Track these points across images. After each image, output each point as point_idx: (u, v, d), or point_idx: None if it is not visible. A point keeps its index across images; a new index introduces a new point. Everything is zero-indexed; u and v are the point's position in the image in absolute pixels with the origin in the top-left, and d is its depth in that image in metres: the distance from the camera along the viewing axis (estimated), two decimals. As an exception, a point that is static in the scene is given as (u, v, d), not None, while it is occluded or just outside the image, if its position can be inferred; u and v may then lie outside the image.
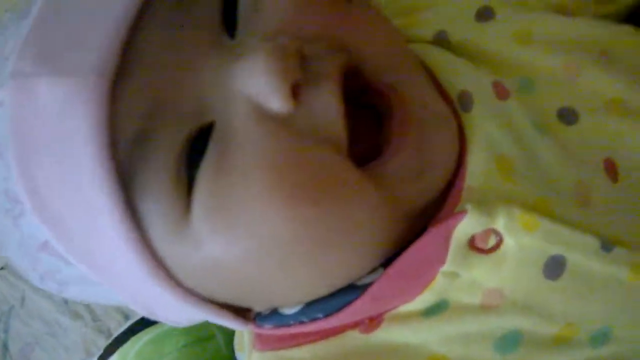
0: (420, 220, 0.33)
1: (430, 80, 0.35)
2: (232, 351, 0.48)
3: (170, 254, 0.31)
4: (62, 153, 0.29)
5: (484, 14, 0.39)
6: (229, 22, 0.32)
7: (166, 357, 0.49)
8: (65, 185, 0.30)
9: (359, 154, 0.31)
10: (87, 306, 0.80)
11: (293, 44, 0.30)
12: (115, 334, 0.53)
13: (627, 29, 0.40)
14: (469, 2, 0.39)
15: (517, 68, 0.37)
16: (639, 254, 0.33)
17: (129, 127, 0.29)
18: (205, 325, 0.49)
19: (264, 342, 0.37)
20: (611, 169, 0.35)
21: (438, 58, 0.37)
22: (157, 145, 0.30)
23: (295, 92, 0.29)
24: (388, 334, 0.34)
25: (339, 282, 0.33)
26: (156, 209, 0.30)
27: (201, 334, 0.50)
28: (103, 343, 0.75)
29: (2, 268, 0.85)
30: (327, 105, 0.30)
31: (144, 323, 0.51)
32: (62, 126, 0.29)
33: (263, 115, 0.29)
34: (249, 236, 0.30)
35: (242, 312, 0.37)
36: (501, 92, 0.35)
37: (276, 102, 0.29)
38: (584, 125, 0.36)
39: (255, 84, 0.29)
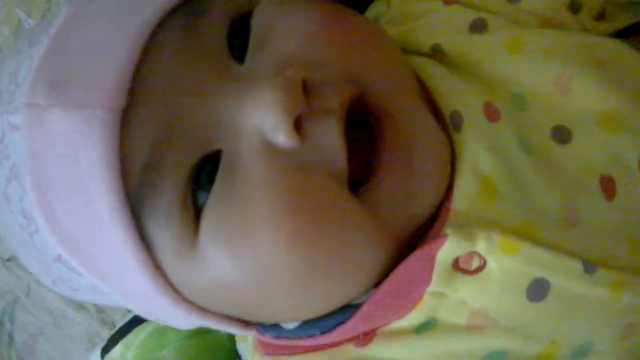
0: (413, 240, 0.34)
1: (424, 100, 0.36)
2: (233, 342, 0.49)
3: (178, 274, 0.33)
4: (75, 181, 0.31)
5: (478, 26, 0.39)
6: (235, 46, 0.33)
7: (168, 347, 0.49)
8: (78, 210, 0.31)
9: (351, 172, 0.32)
10: (92, 298, 0.81)
11: (299, 75, 0.31)
12: (119, 325, 0.53)
13: (618, 41, 0.40)
14: (463, 14, 0.40)
15: (509, 83, 0.37)
16: (624, 273, 0.34)
17: (138, 155, 0.31)
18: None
19: (265, 348, 0.38)
20: (608, 186, 0.35)
21: (433, 75, 0.37)
22: (165, 172, 0.31)
23: (300, 125, 0.30)
24: (380, 349, 0.35)
25: (338, 304, 0.35)
26: (164, 233, 0.31)
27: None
28: (107, 334, 0.75)
29: (8, 260, 0.85)
30: (330, 141, 0.31)
31: (147, 314, 0.51)
32: (74, 156, 0.30)
33: (269, 147, 0.31)
34: (253, 262, 0.31)
35: (244, 321, 0.38)
36: (491, 114, 0.36)
37: (281, 137, 0.30)
38: (578, 143, 0.36)
39: (262, 119, 0.30)
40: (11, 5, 0.75)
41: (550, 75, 0.37)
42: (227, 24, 0.33)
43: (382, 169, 0.32)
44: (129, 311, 0.79)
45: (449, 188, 0.33)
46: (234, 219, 0.31)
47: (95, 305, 0.80)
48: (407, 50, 0.40)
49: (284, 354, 0.37)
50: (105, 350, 0.53)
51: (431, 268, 0.32)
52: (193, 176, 0.31)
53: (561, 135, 0.36)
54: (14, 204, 0.33)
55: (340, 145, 0.31)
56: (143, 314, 0.38)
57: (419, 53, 0.39)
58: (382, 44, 0.36)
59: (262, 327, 0.38)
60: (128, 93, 0.30)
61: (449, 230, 0.32)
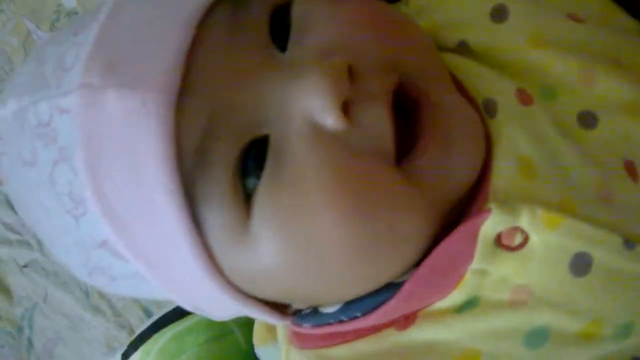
0: (451, 220, 0.34)
1: (457, 88, 0.36)
2: (251, 346, 0.50)
3: (228, 258, 0.33)
4: (129, 162, 0.31)
5: (499, 13, 0.39)
6: (278, 35, 0.33)
7: (187, 353, 0.50)
8: (132, 192, 0.31)
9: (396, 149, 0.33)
10: (109, 301, 0.81)
11: (345, 62, 0.31)
12: (138, 331, 0.54)
13: (636, 36, 0.40)
14: (482, 1, 0.40)
15: (535, 73, 0.38)
16: None
17: (191, 139, 0.31)
18: (224, 321, 0.51)
19: (302, 340, 0.38)
20: (632, 170, 0.36)
21: (463, 67, 0.38)
22: (216, 156, 0.31)
23: (348, 108, 0.31)
24: (422, 331, 0.35)
25: (383, 281, 0.35)
26: (216, 217, 0.32)
27: (220, 331, 0.51)
28: (124, 338, 0.76)
29: (25, 266, 0.86)
30: (379, 124, 0.31)
31: (166, 320, 0.52)
32: (129, 137, 0.31)
33: (318, 131, 0.31)
34: (306, 244, 0.32)
35: (280, 307, 0.38)
36: (525, 99, 0.36)
37: (330, 120, 0.31)
38: (603, 128, 0.36)
39: (310, 103, 0.31)
40: (20, 16, 0.76)
41: (574, 67, 0.38)
42: (268, 14, 0.34)
43: (422, 143, 0.33)
44: (146, 314, 0.80)
45: (486, 169, 0.34)
46: (286, 202, 0.31)
47: (112, 308, 0.81)
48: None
49: (323, 346, 0.37)
50: (126, 355, 0.53)
51: (474, 244, 0.32)
52: (242, 161, 0.32)
53: (587, 120, 0.37)
54: (60, 186, 0.33)
55: (388, 129, 0.31)
56: (182, 303, 0.38)
57: (445, 49, 0.40)
58: (416, 34, 0.36)
59: (299, 317, 0.38)
60: (182, 77, 0.31)
61: (492, 205, 0.32)
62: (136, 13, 0.32)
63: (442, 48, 0.39)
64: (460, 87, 0.36)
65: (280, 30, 0.33)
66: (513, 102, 0.36)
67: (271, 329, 0.46)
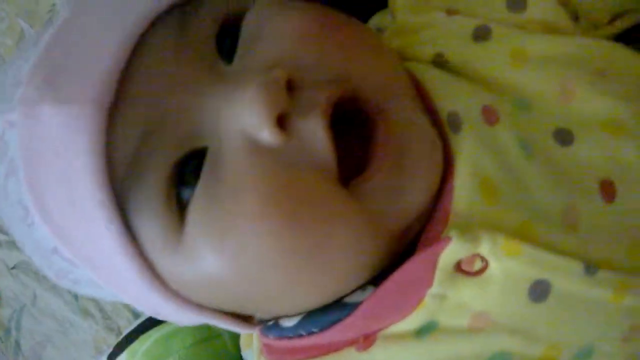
0: (408, 238, 0.34)
1: (420, 102, 0.36)
2: (238, 349, 0.49)
3: (166, 268, 0.33)
4: (63, 173, 0.32)
5: (481, 34, 0.39)
6: (225, 48, 0.34)
7: (173, 355, 0.50)
8: (67, 203, 0.32)
9: (347, 169, 0.32)
10: (97, 304, 0.81)
11: (284, 74, 0.31)
12: (125, 332, 0.54)
13: (619, 46, 0.40)
14: (466, 22, 0.40)
15: (513, 88, 0.37)
16: (624, 275, 0.34)
17: (123, 151, 0.31)
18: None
19: (271, 352, 0.39)
20: (608, 190, 0.36)
21: (433, 78, 0.37)
22: (150, 167, 0.32)
23: (285, 122, 0.31)
24: (382, 353, 0.35)
25: (329, 296, 0.35)
26: (150, 227, 0.32)
27: (208, 333, 0.51)
28: (113, 341, 0.75)
29: (13, 267, 0.86)
30: (315, 136, 0.31)
31: (153, 322, 0.52)
32: (63, 150, 0.31)
33: (254, 144, 0.31)
34: (238, 254, 0.31)
35: (244, 318, 0.38)
36: (490, 117, 0.36)
37: (264, 134, 0.30)
38: (579, 146, 0.36)
39: (246, 117, 0.31)
40: (14, 16, 0.76)
41: (555, 83, 0.37)
42: (217, 25, 0.34)
43: (373, 162, 0.32)
44: (135, 317, 0.80)
45: (448, 189, 0.33)
46: (218, 213, 0.31)
47: (101, 311, 0.81)
48: (409, 59, 0.40)
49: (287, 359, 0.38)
50: (111, 357, 0.53)
51: (433, 269, 0.32)
52: (177, 172, 0.32)
53: (563, 137, 0.36)
54: (12, 197, 0.34)
55: (325, 139, 0.31)
56: (142, 309, 0.38)
57: (420, 61, 0.39)
58: (374, 47, 0.36)
59: (265, 328, 0.38)
60: (117, 90, 0.31)
61: (452, 233, 0.32)
62: (82, 28, 0.33)
63: (419, 59, 0.39)
64: (425, 99, 0.36)
65: (229, 42, 0.34)
66: (478, 119, 0.35)
67: (257, 332, 0.46)
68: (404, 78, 0.36)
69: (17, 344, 0.89)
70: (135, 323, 0.54)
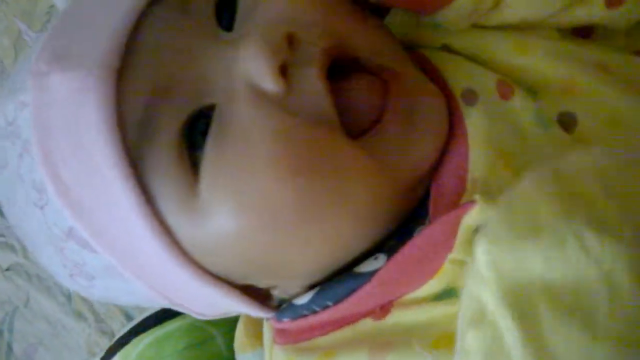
0: (415, 200, 0.35)
1: (420, 70, 0.37)
2: (232, 353, 0.49)
3: (183, 228, 0.34)
4: (77, 139, 0.32)
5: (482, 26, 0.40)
6: (225, 18, 0.35)
7: (166, 359, 0.49)
8: (82, 168, 0.33)
9: (363, 127, 0.34)
10: (91, 307, 0.81)
11: (285, 29, 0.33)
12: (118, 335, 0.54)
13: (616, 44, 0.40)
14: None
15: (518, 73, 0.38)
16: None
17: (133, 112, 0.32)
18: (205, 327, 0.50)
19: (284, 337, 0.39)
20: None
21: (445, 59, 0.39)
22: (160, 127, 0.33)
23: (286, 73, 0.32)
24: (400, 317, 0.35)
25: (342, 255, 0.35)
26: (164, 185, 0.33)
27: (201, 337, 0.51)
28: (106, 344, 0.75)
29: (7, 269, 0.85)
30: (313, 86, 0.33)
31: (146, 325, 0.52)
32: (75, 115, 0.32)
33: (259, 96, 0.32)
34: (255, 203, 0.32)
35: (261, 299, 0.39)
36: (505, 92, 0.37)
37: (268, 82, 0.32)
38: (582, 132, 0.37)
39: (250, 67, 0.32)
40: (12, 17, 0.76)
41: (558, 75, 0.38)
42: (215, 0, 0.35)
43: (384, 116, 0.34)
44: (128, 320, 0.79)
45: (456, 157, 0.34)
46: (230, 164, 0.32)
47: (94, 314, 0.80)
48: (418, 46, 0.41)
49: (303, 339, 0.38)
50: (104, 360, 0.53)
51: (454, 235, 0.32)
52: (187, 129, 0.33)
53: (567, 121, 0.37)
54: (26, 178, 0.35)
55: (320, 87, 0.33)
56: (157, 296, 0.38)
57: (431, 48, 0.41)
58: (368, 19, 0.37)
59: (279, 313, 0.38)
60: (124, 56, 0.32)
61: (477, 197, 0.31)
62: (89, 5, 0.35)
63: (426, 46, 0.40)
64: (438, 79, 0.37)
65: (227, 14, 0.35)
66: (493, 94, 0.36)
67: (251, 336, 0.46)
68: (401, 49, 0.38)
69: (9, 346, 0.88)
70: (128, 326, 0.53)
